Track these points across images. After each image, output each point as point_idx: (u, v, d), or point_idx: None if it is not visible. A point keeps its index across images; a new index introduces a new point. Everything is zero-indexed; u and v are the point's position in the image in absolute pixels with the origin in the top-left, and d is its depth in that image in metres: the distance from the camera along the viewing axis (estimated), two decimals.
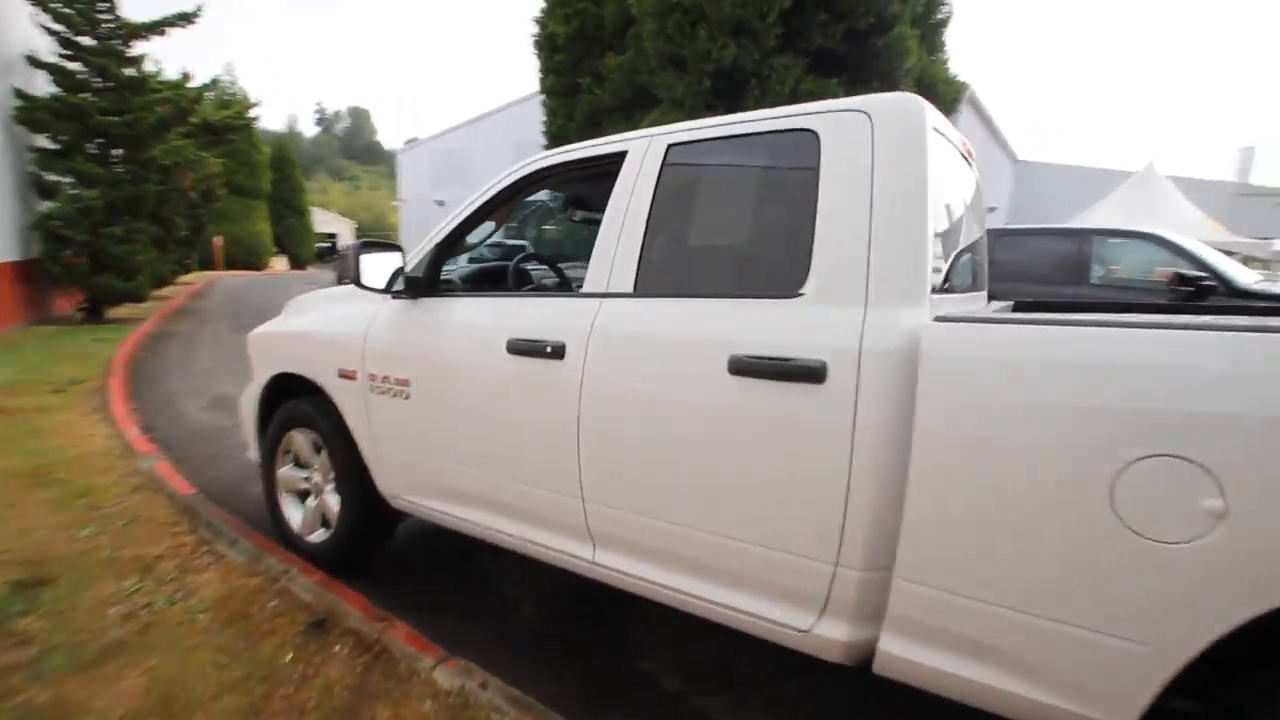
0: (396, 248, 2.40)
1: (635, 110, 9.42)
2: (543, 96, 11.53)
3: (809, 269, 1.61)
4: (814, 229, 1.63)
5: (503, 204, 2.36)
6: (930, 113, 1.63)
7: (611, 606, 2.53)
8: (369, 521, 2.68)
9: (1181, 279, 5.51)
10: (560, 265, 3.08)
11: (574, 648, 2.32)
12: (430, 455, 2.33)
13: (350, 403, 2.54)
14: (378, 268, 2.43)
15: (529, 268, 2.83)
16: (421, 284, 2.39)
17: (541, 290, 2.81)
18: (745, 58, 8.50)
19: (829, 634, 1.57)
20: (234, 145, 19.84)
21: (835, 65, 8.81)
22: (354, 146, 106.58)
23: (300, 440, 2.85)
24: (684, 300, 1.80)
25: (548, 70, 11.33)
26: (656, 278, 1.88)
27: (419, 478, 2.40)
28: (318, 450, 2.80)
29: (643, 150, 2.00)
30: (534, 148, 14.13)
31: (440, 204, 27.38)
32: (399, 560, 2.95)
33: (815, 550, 1.55)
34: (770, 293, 1.67)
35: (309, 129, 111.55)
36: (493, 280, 2.87)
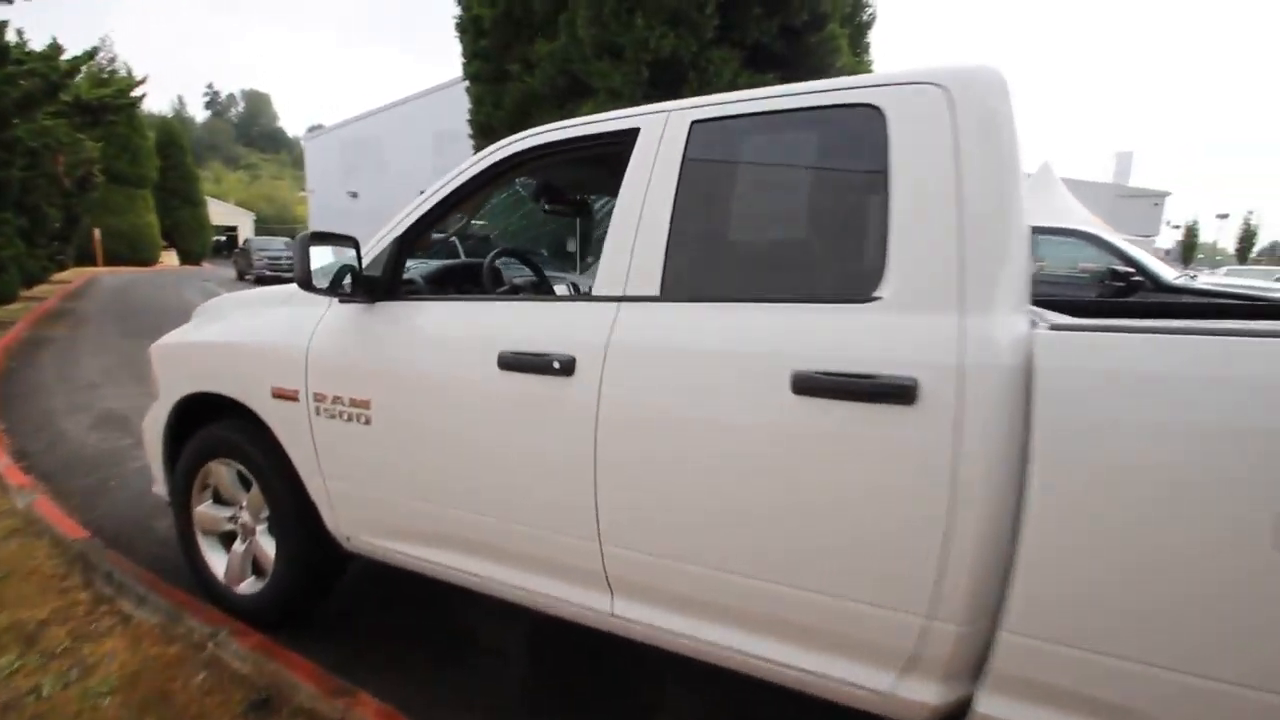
0: (351, 241, 2.00)
1: (570, 100, 9.05)
2: (467, 83, 10.96)
3: (885, 269, 1.37)
4: (888, 222, 1.39)
5: (479, 190, 2.01)
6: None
7: (619, 658, 2.23)
8: (314, 566, 2.26)
9: (1114, 274, 5.72)
10: (542, 264, 2.74)
11: (579, 710, 2.01)
12: (400, 490, 1.95)
13: (290, 428, 2.12)
14: (319, 265, 2.02)
15: (506, 269, 2.49)
16: (381, 286, 2.00)
17: (529, 293, 2.47)
18: (683, 49, 8.31)
19: (914, 695, 1.34)
20: (114, 128, 17.96)
21: (771, 61, 8.77)
22: (251, 133, 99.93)
23: (222, 473, 2.39)
24: (727, 306, 1.52)
25: (472, 55, 10.80)
26: (689, 279, 1.60)
27: (385, 517, 2.01)
28: (246, 484, 2.35)
29: (659, 128, 1.71)
30: (459, 138, 13.47)
31: (354, 196, 25.88)
32: (351, 605, 2.53)
33: (901, 600, 1.31)
34: (837, 296, 1.42)
35: (199, 113, 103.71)
36: (462, 281, 2.49)
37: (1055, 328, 1.23)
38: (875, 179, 1.43)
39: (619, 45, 8.55)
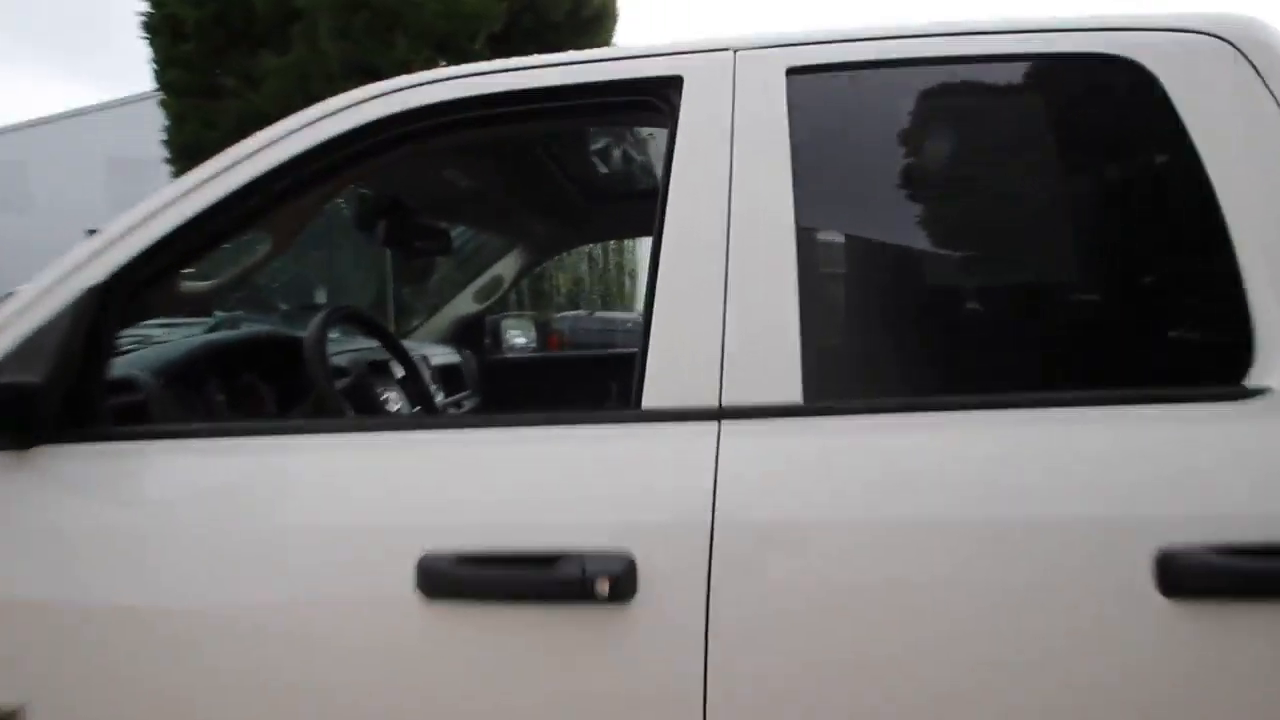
0: None
1: None
2: (161, 95, 8.75)
3: (1250, 330, 0.74)
4: (1231, 248, 0.76)
5: (305, 186, 0.98)
6: None
7: None
8: None
9: None
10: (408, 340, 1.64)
11: None
12: None
13: None
14: None
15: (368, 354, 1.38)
16: (43, 407, 0.84)
17: (383, 385, 1.36)
18: None
19: None
20: None
21: None
22: None
23: None
24: (962, 416, 0.76)
25: (168, 62, 8.68)
26: (864, 364, 0.82)
27: None
28: None
29: (721, 77, 0.91)
30: (147, 164, 10.65)
31: None
32: None
33: None
34: (1175, 387, 0.76)
35: None
36: (255, 375, 1.28)
37: None
38: (1165, 173, 0.82)
39: (374, 66, 7.38)
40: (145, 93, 9.91)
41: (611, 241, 10.07)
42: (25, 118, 21.14)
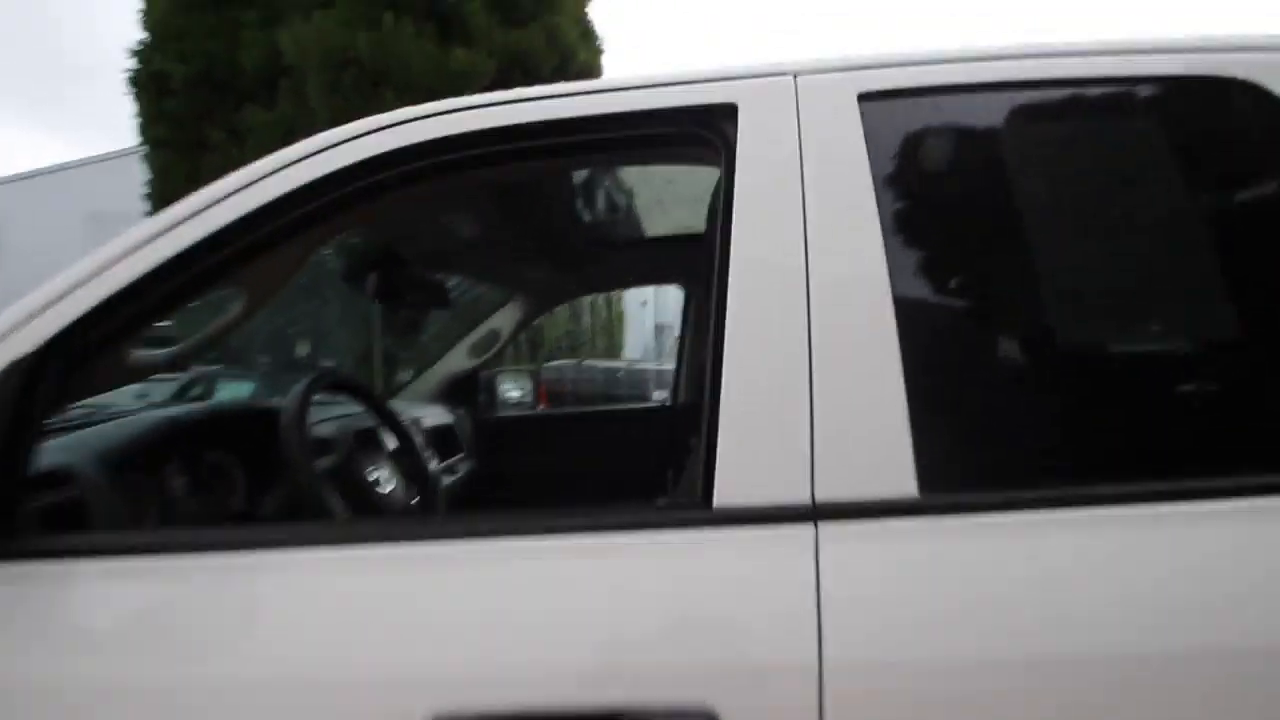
0: None
1: None
2: (146, 149, 8.71)
3: None
4: None
5: (289, 234, 0.82)
6: None
7: None
8: None
9: None
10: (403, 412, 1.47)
11: None
12: None
13: None
14: None
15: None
16: None
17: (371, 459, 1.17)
18: None
19: None
20: None
21: None
22: None
23: None
24: (1149, 514, 0.60)
25: (153, 117, 8.66)
26: (999, 446, 0.67)
27: None
28: None
29: (783, 106, 0.78)
30: (126, 218, 10.53)
31: None
32: None
33: None
34: None
35: None
36: (218, 456, 1.10)
37: None
38: None
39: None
40: (128, 148, 9.85)
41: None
42: (3, 172, 21.07)
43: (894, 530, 0.62)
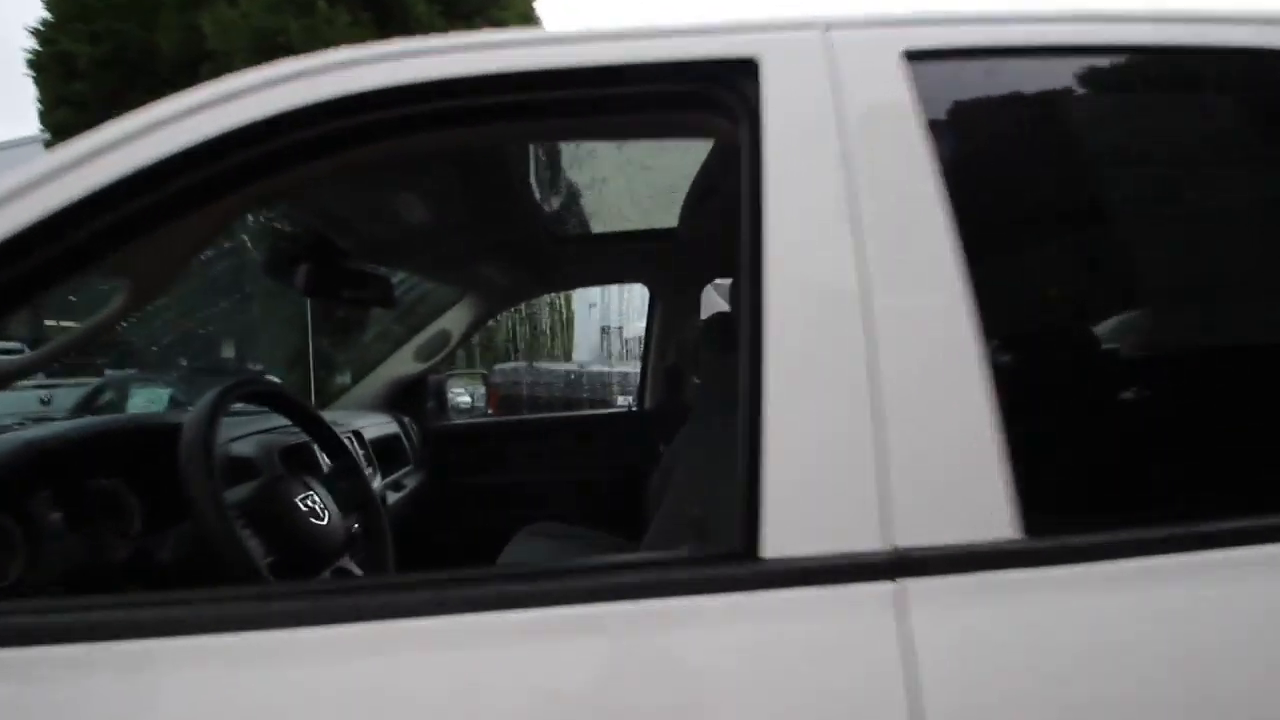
0: None
1: None
2: (47, 136, 8.10)
3: None
4: None
5: (170, 213, 0.62)
6: None
7: None
8: None
9: None
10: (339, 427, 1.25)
11: None
12: None
13: None
14: None
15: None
16: None
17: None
18: None
19: None
20: None
21: None
22: None
23: None
24: None
25: (56, 101, 8.04)
26: (1119, 475, 0.53)
27: None
28: None
29: (814, 64, 0.64)
30: None
31: None
32: None
33: None
34: None
35: None
36: (93, 500, 0.87)
37: None
38: None
39: None
40: (28, 136, 9.12)
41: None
42: None
43: (997, 584, 0.48)
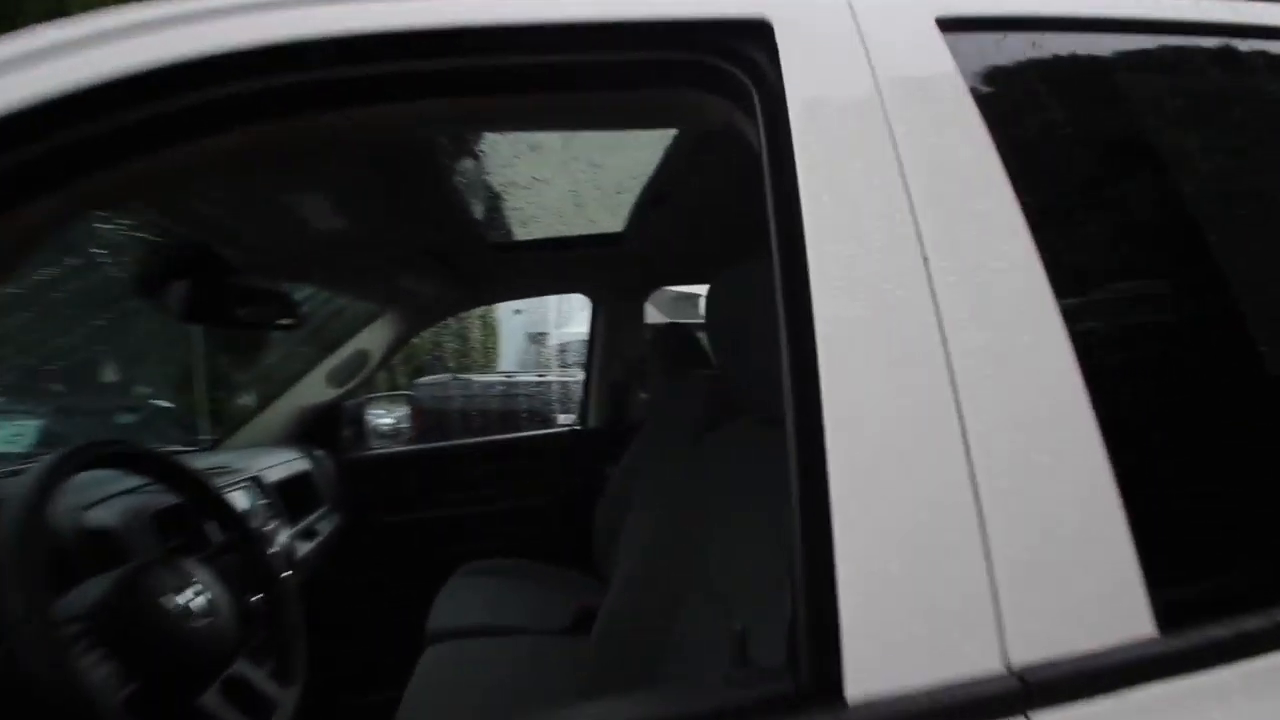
0: None
1: None
2: None
3: None
4: None
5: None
6: None
7: None
8: None
9: None
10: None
11: None
12: None
13: None
14: None
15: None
16: None
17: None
18: None
19: None
20: None
21: None
22: None
23: None
24: None
25: None
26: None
27: None
28: None
29: (837, 28, 0.50)
30: None
31: None
32: None
33: None
34: None
35: None
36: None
37: None
38: None
39: None
40: None
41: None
42: None
43: (1146, 705, 0.36)
